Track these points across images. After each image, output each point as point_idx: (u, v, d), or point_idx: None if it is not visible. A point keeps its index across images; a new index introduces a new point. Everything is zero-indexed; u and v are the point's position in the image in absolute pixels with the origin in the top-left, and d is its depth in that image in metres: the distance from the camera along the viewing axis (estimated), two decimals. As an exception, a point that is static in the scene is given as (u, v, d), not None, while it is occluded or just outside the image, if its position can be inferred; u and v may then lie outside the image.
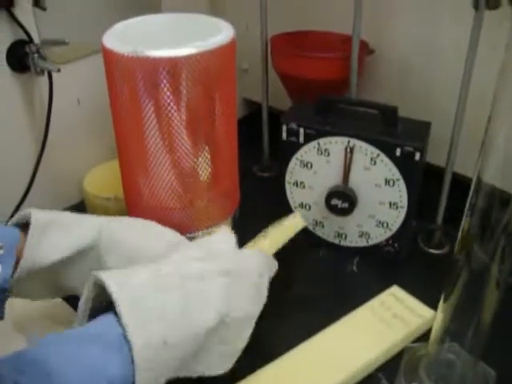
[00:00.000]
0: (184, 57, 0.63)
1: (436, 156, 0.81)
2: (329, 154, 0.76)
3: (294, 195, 0.82)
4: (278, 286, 0.63)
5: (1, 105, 0.79)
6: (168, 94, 0.65)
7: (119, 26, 0.71)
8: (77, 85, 0.88)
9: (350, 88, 0.83)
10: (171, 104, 0.66)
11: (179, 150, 0.69)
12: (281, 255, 0.70)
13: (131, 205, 0.78)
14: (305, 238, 0.82)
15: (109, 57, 0.66)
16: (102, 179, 0.89)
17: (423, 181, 0.77)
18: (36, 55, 0.76)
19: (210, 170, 0.72)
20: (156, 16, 0.75)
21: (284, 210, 0.82)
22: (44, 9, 0.73)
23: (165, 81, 0.64)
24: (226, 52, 0.67)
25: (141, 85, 0.66)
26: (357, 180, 0.76)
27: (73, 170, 0.92)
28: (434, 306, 0.65)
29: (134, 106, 0.67)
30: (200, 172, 0.72)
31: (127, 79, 0.66)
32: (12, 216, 0.74)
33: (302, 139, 0.77)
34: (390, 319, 0.69)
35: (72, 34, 0.82)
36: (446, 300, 0.54)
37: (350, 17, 0.81)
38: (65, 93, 0.85)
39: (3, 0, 0.74)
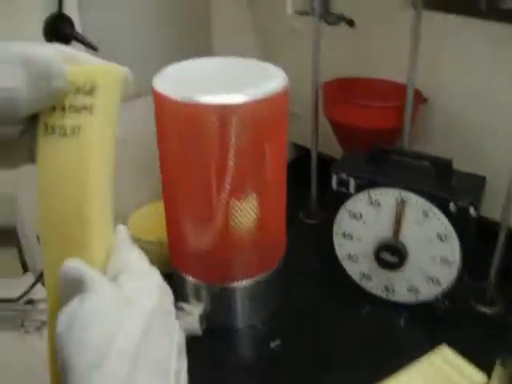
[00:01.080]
0: (235, 105, 0.62)
1: (489, 210, 0.78)
2: (379, 205, 0.74)
3: (341, 246, 0.79)
4: (321, 340, 0.60)
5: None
6: (217, 140, 0.64)
7: (170, 69, 0.70)
8: (125, 125, 0.87)
9: (402, 138, 0.81)
10: (220, 150, 0.65)
11: (226, 197, 0.67)
12: (325, 306, 0.67)
13: (174, 250, 0.77)
14: (350, 290, 0.80)
15: (159, 100, 0.65)
16: (146, 221, 0.88)
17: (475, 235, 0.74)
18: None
19: (256, 217, 0.70)
20: (208, 59, 0.75)
21: (330, 261, 0.80)
22: (95, 49, 0.73)
23: (214, 128, 0.64)
24: (279, 100, 0.66)
25: (190, 130, 0.65)
26: (408, 233, 0.73)
27: (116, 210, 0.90)
28: (483, 368, 0.62)
29: (182, 151, 0.67)
30: (246, 219, 0.70)
31: (177, 124, 0.66)
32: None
33: (352, 189, 0.74)
34: (438, 381, 0.66)
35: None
36: (503, 364, 0.50)
37: (401, 64, 0.79)
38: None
39: (58, 39, 0.75)
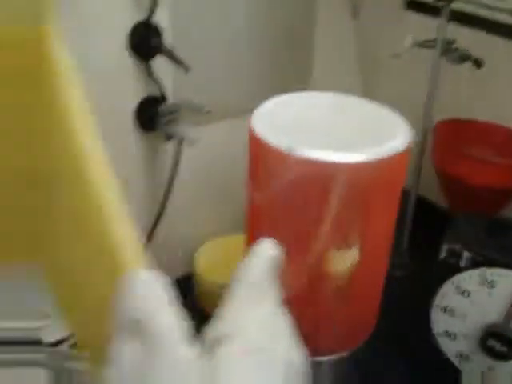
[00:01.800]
0: (348, 164, 0.51)
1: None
2: (494, 287, 0.63)
3: (439, 321, 0.68)
4: None
5: (120, 161, 0.70)
6: (321, 196, 0.54)
7: (270, 105, 0.60)
8: (208, 150, 0.78)
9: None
10: (316, 207, 0.55)
11: (322, 248, 0.57)
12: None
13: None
14: (442, 368, 0.70)
15: (257, 144, 0.55)
16: (216, 256, 0.79)
17: None
18: (168, 117, 0.67)
19: (352, 275, 0.60)
20: (310, 94, 0.64)
21: (421, 329, 0.70)
22: (187, 69, 0.63)
23: (319, 185, 0.53)
24: (400, 160, 0.55)
25: (288, 181, 0.55)
26: (524, 322, 0.63)
27: (185, 242, 0.83)
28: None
29: (274, 198, 0.57)
30: (342, 276, 0.60)
31: (275, 171, 0.56)
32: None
33: (464, 263, 0.64)
34: None
35: (211, 95, 0.73)
36: None
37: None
38: (194, 158, 0.75)
39: (144, 52, 0.65)
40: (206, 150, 0.77)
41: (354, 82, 0.93)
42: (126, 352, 0.27)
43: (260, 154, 0.56)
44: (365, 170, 0.53)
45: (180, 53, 0.65)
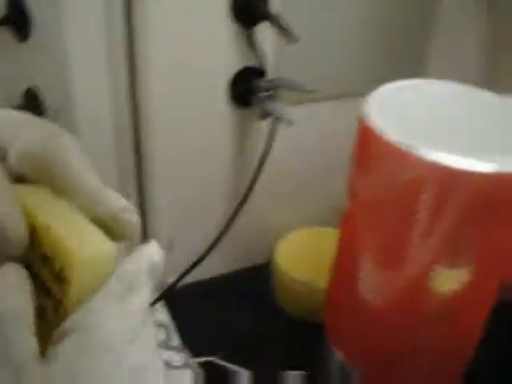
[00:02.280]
0: (470, 173, 0.42)
1: None
2: None
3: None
4: None
5: (209, 136, 0.65)
6: (429, 205, 0.46)
7: (384, 91, 0.52)
8: (304, 132, 0.71)
9: None
10: (428, 216, 0.47)
11: (422, 266, 0.50)
12: None
13: (333, 308, 0.60)
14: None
15: (369, 134, 0.47)
16: (297, 248, 0.72)
17: None
18: (265, 93, 0.60)
19: (454, 306, 0.52)
20: (430, 82, 0.55)
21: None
22: (295, 40, 0.56)
23: (431, 192, 0.45)
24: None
25: (396, 181, 0.47)
26: None
27: (266, 230, 0.76)
28: None
29: (381, 198, 0.50)
30: (444, 297, 0.52)
31: (387, 167, 0.48)
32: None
33: None
34: None
35: (315, 73, 0.65)
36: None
37: None
38: (288, 140, 0.67)
39: (247, 17, 0.58)
40: (303, 133, 0.70)
41: (476, 73, 0.83)
42: None
43: (370, 145, 0.49)
44: (493, 182, 0.44)
45: (287, 22, 0.58)
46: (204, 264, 0.68)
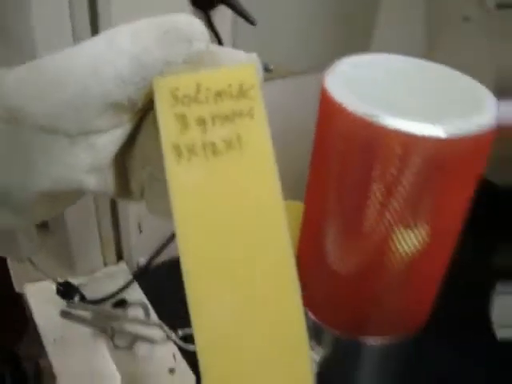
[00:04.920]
0: (427, 137, 0.46)
1: None
2: None
3: (500, 308, 0.64)
4: None
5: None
6: (390, 170, 0.50)
7: (342, 66, 0.55)
8: (268, 109, 0.73)
9: None
10: (388, 180, 0.51)
11: (384, 228, 0.53)
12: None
13: (302, 275, 0.64)
14: (500, 367, 0.66)
15: (330, 105, 0.50)
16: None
17: None
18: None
19: (416, 255, 0.56)
20: (385, 57, 0.58)
21: (480, 326, 0.66)
22: (252, 22, 0.58)
23: (392, 157, 0.49)
24: (484, 139, 0.50)
25: (360, 150, 0.50)
26: None
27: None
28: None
29: (343, 167, 0.53)
30: (404, 255, 0.56)
31: (347, 136, 0.51)
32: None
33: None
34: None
35: (271, 53, 0.68)
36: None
37: None
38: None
39: (207, 2, 0.60)
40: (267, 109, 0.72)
41: (417, 46, 0.88)
42: None
43: (333, 118, 0.52)
44: (447, 145, 0.48)
45: (244, 4, 0.60)
46: (172, 243, 0.70)
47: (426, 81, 0.55)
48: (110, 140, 0.28)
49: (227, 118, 0.27)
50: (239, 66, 0.29)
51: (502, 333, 0.65)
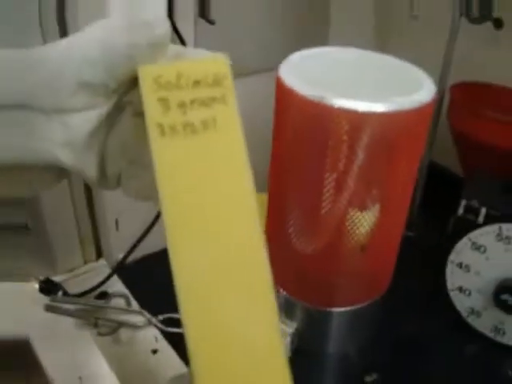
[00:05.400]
0: (374, 113, 0.52)
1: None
2: (509, 243, 0.64)
3: (453, 276, 0.70)
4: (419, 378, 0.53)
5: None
6: (342, 148, 0.55)
7: (295, 58, 0.60)
8: None
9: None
10: (341, 159, 0.56)
11: (342, 206, 0.58)
12: (425, 340, 0.62)
13: (271, 257, 0.68)
14: (454, 325, 0.71)
15: (284, 93, 0.56)
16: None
17: None
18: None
19: (372, 233, 0.61)
20: (335, 49, 0.64)
21: (434, 287, 0.72)
22: (212, 22, 0.64)
23: (343, 135, 0.54)
24: (424, 113, 0.56)
25: (314, 132, 0.56)
26: (538, 277, 0.64)
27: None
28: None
29: (301, 150, 0.58)
30: (361, 234, 0.61)
31: (299, 121, 0.57)
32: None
33: (481, 219, 0.65)
34: None
35: (231, 50, 0.73)
36: None
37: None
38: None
39: (168, 6, 0.65)
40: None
41: (369, 44, 0.94)
42: None
43: (287, 104, 0.57)
44: (391, 120, 0.54)
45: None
46: (151, 238, 0.74)
47: (371, 68, 0.61)
48: (84, 119, 0.31)
49: (204, 103, 0.31)
50: (213, 58, 0.33)
51: (455, 296, 0.71)
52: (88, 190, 0.72)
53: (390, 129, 0.54)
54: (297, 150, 0.59)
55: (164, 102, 0.31)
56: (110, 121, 0.33)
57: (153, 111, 0.30)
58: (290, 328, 0.66)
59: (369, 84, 0.58)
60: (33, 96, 0.30)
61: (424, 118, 0.57)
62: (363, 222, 0.61)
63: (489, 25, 0.74)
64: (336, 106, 0.52)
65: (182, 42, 0.67)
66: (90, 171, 0.33)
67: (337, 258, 0.62)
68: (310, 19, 0.81)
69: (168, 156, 0.31)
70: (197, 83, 0.31)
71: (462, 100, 0.78)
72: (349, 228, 0.60)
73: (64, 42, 0.31)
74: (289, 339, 0.65)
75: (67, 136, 0.31)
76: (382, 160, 0.57)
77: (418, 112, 0.54)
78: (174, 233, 0.31)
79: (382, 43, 0.94)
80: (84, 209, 0.73)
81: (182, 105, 0.31)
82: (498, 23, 0.74)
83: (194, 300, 0.30)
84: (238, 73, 0.76)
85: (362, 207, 0.60)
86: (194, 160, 0.31)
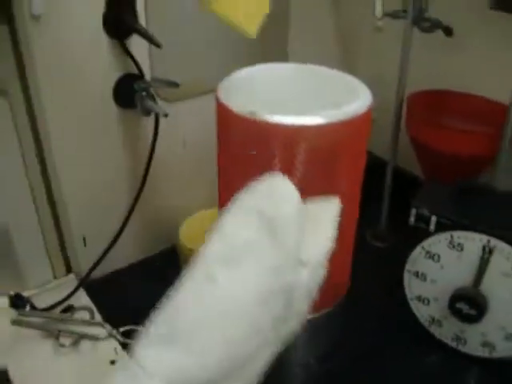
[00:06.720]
0: (308, 127, 0.53)
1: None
2: (462, 250, 0.64)
3: (411, 286, 0.70)
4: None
5: (102, 139, 0.74)
6: (283, 161, 0.56)
7: (237, 75, 0.62)
8: (185, 125, 0.81)
9: (495, 170, 0.70)
10: (285, 171, 0.57)
11: None
12: (386, 349, 0.61)
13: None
14: (416, 334, 0.71)
15: (222, 111, 0.57)
16: (200, 229, 0.81)
17: None
18: (144, 93, 0.69)
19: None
20: (280, 65, 0.66)
21: (396, 297, 0.72)
22: (158, 46, 0.66)
23: (280, 150, 0.55)
24: (360, 123, 0.57)
25: (250, 146, 0.56)
26: (491, 285, 0.64)
27: (169, 215, 0.85)
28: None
29: (243, 165, 0.59)
30: None
31: (239, 138, 0.58)
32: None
33: (432, 227, 0.65)
34: None
35: (186, 71, 0.75)
36: None
37: (500, 81, 0.68)
38: (171, 133, 0.78)
39: (119, 31, 0.68)
40: (182, 126, 0.80)
41: (331, 57, 0.95)
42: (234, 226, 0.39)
43: (225, 121, 0.58)
44: (326, 132, 0.54)
45: (155, 31, 0.67)
46: (119, 254, 0.76)
47: (310, 81, 0.63)
48: None
49: None
50: None
51: (415, 307, 0.71)
52: (53, 207, 0.75)
53: (325, 141, 0.55)
54: (240, 162, 0.60)
55: None
56: None
57: None
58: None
59: (304, 96, 0.59)
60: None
61: (359, 128, 0.57)
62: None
63: (440, 33, 0.75)
64: (268, 121, 0.53)
65: (137, 66, 0.69)
66: None
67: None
68: (268, 39, 0.82)
69: None
70: None
71: (418, 108, 0.79)
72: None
73: None
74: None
75: None
76: (320, 172, 0.57)
77: (352, 123, 0.55)
78: None
79: (343, 58, 0.96)
80: (51, 225, 0.75)
81: None
82: (448, 31, 0.75)
83: None
84: (194, 92, 0.79)
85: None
86: None
